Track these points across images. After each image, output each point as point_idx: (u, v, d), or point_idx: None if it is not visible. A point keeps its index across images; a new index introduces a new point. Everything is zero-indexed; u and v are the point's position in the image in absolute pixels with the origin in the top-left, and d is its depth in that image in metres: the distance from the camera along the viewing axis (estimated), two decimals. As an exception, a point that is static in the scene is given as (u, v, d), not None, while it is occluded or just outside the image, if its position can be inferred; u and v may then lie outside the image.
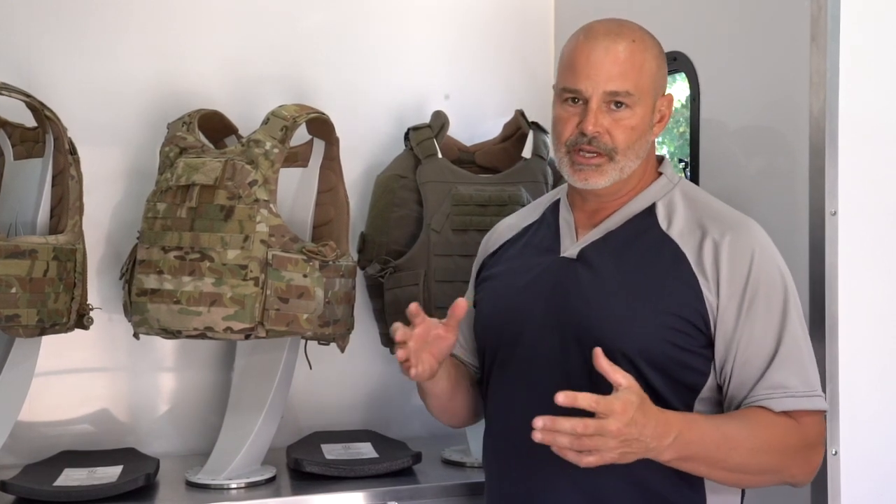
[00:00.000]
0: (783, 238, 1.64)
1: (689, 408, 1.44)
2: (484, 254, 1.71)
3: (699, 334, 1.42)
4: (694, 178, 2.00)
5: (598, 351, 1.27)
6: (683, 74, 2.05)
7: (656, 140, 1.57)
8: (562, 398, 1.21)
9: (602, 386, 1.39)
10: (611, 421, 1.22)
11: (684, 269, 1.43)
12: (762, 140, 1.84)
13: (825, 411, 1.44)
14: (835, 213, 1.63)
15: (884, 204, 1.69)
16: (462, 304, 1.42)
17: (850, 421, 1.62)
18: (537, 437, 1.23)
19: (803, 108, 1.68)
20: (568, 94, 1.47)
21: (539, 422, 1.22)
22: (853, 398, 1.63)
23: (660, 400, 1.41)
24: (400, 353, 1.42)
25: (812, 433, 1.41)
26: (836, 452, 1.61)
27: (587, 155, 1.46)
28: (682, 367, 1.42)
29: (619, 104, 1.44)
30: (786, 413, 1.40)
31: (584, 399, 1.21)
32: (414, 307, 1.43)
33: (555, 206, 1.63)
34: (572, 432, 1.21)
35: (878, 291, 1.68)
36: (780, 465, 1.40)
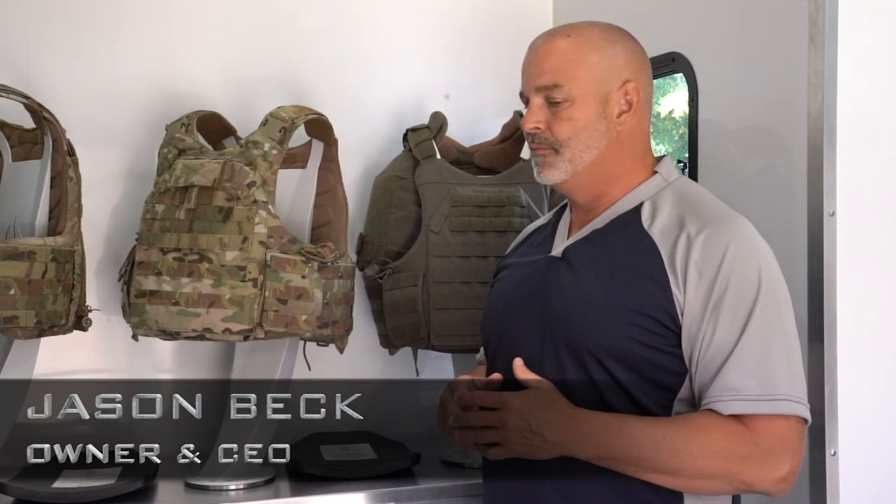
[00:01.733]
0: (781, 239, 1.64)
1: (666, 409, 1.41)
2: (505, 255, 1.73)
3: (669, 333, 1.40)
4: (692, 178, 2.00)
5: (516, 361, 1.40)
6: (682, 75, 2.05)
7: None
8: (455, 400, 1.39)
9: (572, 384, 1.40)
10: (498, 412, 1.34)
11: (657, 266, 1.41)
12: (760, 141, 1.84)
13: (801, 417, 1.36)
14: (833, 214, 1.63)
15: (882, 204, 1.69)
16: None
17: (849, 421, 1.62)
18: (455, 438, 1.40)
19: (801, 108, 1.68)
20: (522, 99, 1.54)
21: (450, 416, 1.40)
22: (852, 399, 1.63)
23: (632, 400, 1.41)
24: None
25: (769, 439, 1.34)
26: (834, 453, 1.61)
27: (536, 150, 1.52)
28: (654, 366, 1.40)
29: (554, 98, 1.48)
30: (738, 418, 1.35)
31: (467, 397, 1.38)
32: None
33: (561, 210, 1.64)
34: (465, 422, 1.37)
35: (877, 292, 1.68)
36: (724, 472, 1.35)
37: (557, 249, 1.54)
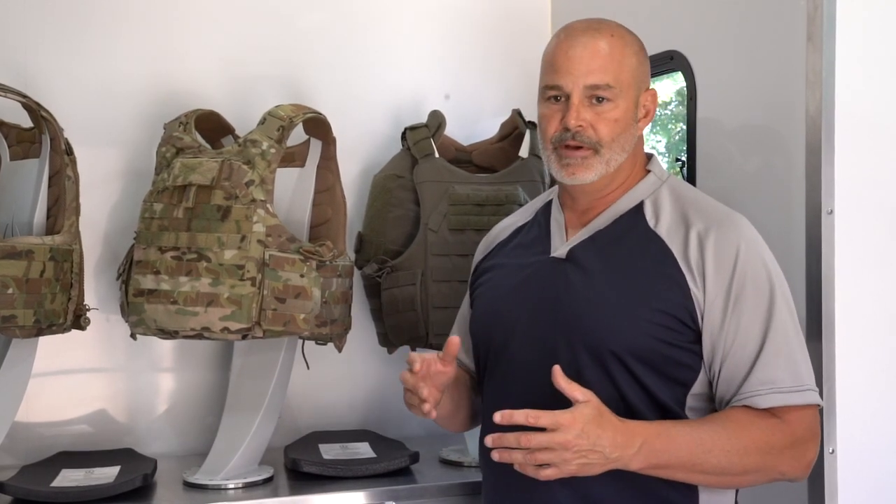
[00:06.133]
0: (780, 237, 1.64)
1: (681, 404, 1.44)
2: (479, 256, 1.72)
3: (687, 330, 1.42)
4: (691, 176, 2.00)
5: (556, 369, 1.31)
6: (680, 73, 2.05)
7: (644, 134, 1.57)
8: (497, 418, 1.29)
9: (590, 384, 1.40)
10: (558, 433, 1.27)
11: (671, 265, 1.43)
12: (759, 139, 1.84)
13: (819, 405, 1.43)
14: (831, 212, 1.63)
15: (880, 202, 1.69)
16: (455, 342, 1.45)
17: (847, 419, 1.63)
18: (495, 455, 1.30)
19: (800, 106, 1.68)
20: (550, 92, 1.49)
21: (489, 440, 1.31)
22: (850, 396, 1.63)
23: (650, 397, 1.43)
24: (407, 395, 1.49)
25: (801, 428, 1.40)
26: (832, 451, 1.61)
27: (575, 150, 1.48)
28: (672, 363, 1.43)
29: (600, 98, 1.46)
30: (770, 411, 1.39)
31: (520, 415, 1.27)
32: (410, 357, 1.46)
33: (546, 207, 1.64)
34: (517, 445, 1.28)
35: (875, 290, 1.68)
36: (764, 465, 1.39)
37: (559, 251, 1.53)
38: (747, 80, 1.86)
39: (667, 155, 4.43)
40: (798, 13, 1.68)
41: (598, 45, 1.47)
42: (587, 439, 1.28)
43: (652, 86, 1.56)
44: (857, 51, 1.65)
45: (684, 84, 2.05)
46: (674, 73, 2.10)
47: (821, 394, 1.55)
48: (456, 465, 2.12)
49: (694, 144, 2.01)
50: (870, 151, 1.68)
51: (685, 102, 2.06)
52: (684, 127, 2.08)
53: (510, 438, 1.29)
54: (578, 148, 1.47)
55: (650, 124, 1.58)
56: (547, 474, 1.30)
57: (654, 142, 4.49)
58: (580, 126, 1.46)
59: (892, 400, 1.69)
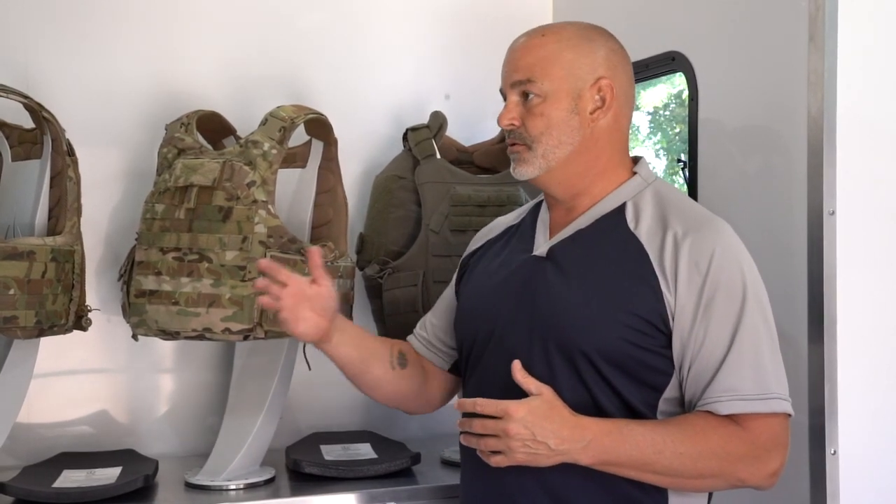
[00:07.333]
0: (781, 238, 1.64)
1: (652, 408, 1.44)
2: (470, 248, 1.73)
3: (659, 334, 1.42)
4: (692, 177, 2.01)
5: (515, 364, 1.37)
6: (681, 74, 2.05)
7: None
8: (455, 405, 1.39)
9: (562, 383, 1.41)
10: (501, 422, 1.34)
11: (646, 267, 1.43)
12: (760, 140, 1.84)
13: (788, 414, 1.41)
14: (833, 213, 1.63)
15: (882, 203, 1.69)
16: (315, 251, 1.48)
17: (849, 420, 1.62)
18: (461, 439, 1.40)
19: (801, 107, 1.68)
20: (503, 97, 1.55)
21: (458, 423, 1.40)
22: (851, 397, 1.63)
23: (621, 399, 1.42)
24: (265, 300, 1.47)
25: (763, 437, 1.39)
26: (834, 452, 1.61)
27: (511, 146, 1.53)
28: (643, 366, 1.42)
29: (527, 94, 1.49)
30: (732, 418, 1.38)
31: (470, 403, 1.36)
32: (264, 264, 1.48)
33: (536, 207, 1.64)
34: (473, 430, 1.36)
35: (877, 291, 1.68)
36: (721, 471, 1.38)
37: (541, 249, 1.54)
38: (749, 80, 1.86)
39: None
40: (799, 13, 1.68)
41: (524, 45, 1.52)
42: (528, 429, 1.33)
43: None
44: (859, 51, 1.65)
45: (683, 86, 2.05)
46: (673, 75, 2.10)
47: (822, 395, 1.55)
48: (457, 465, 2.11)
49: (695, 145, 2.01)
50: (871, 152, 1.68)
51: (685, 103, 2.06)
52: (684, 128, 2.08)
53: (465, 424, 1.38)
54: (514, 144, 1.52)
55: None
56: (496, 461, 1.36)
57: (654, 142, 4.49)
58: (510, 124, 1.51)
59: (893, 400, 1.69)
